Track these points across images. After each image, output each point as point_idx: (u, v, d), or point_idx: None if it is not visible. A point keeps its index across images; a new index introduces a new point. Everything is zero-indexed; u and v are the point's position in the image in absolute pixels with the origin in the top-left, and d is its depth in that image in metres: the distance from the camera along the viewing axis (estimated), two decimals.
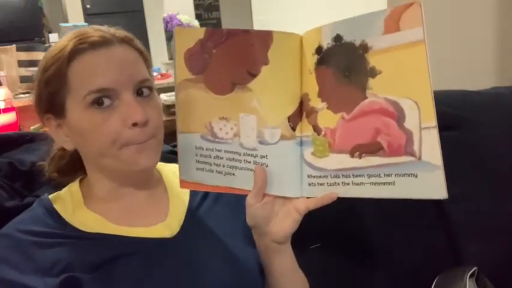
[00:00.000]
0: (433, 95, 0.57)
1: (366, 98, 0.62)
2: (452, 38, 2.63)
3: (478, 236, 1.06)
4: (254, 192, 0.69)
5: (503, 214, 1.09)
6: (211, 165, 0.70)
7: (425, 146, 0.59)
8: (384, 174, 0.62)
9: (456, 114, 1.10)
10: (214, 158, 0.69)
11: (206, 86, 0.67)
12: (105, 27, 0.71)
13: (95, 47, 0.67)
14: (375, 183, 0.63)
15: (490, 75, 2.76)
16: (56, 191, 0.75)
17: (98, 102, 0.66)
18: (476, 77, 2.59)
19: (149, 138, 0.68)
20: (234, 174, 0.69)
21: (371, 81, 0.61)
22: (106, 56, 0.67)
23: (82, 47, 0.67)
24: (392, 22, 0.58)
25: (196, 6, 5.59)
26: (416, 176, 0.60)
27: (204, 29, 0.66)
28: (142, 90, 0.69)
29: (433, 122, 0.58)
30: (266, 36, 0.65)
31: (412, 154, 0.59)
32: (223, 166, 0.70)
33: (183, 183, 0.72)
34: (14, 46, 3.14)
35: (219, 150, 0.69)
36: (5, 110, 1.80)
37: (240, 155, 0.69)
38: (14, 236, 0.66)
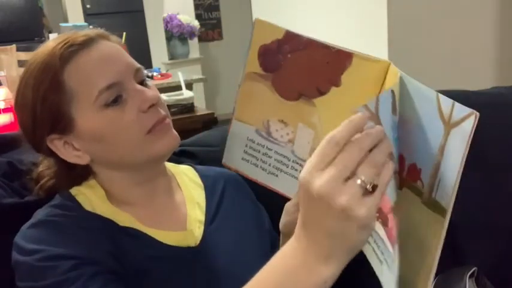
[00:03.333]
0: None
1: None
2: (452, 38, 2.63)
3: (478, 236, 1.06)
4: (296, 201, 0.68)
5: (503, 214, 1.09)
6: (257, 159, 0.70)
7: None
8: (380, 249, 0.58)
9: None
10: (263, 154, 0.70)
11: (273, 86, 0.66)
12: (77, 31, 0.69)
13: (85, 46, 0.66)
14: (373, 250, 0.60)
15: (490, 75, 2.76)
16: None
17: (113, 100, 0.65)
18: (476, 77, 2.59)
19: (166, 115, 0.70)
20: (277, 175, 0.70)
21: None
22: (99, 52, 0.67)
23: (73, 49, 0.65)
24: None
25: (196, 6, 5.58)
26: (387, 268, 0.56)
27: (284, 29, 0.63)
28: (143, 80, 0.70)
29: None
30: (344, 58, 0.61)
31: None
32: (269, 165, 0.70)
33: (224, 164, 0.73)
34: (14, 46, 3.15)
35: (270, 149, 0.69)
36: (5, 110, 1.80)
37: (289, 160, 0.69)
38: (48, 220, 0.65)
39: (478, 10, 2.69)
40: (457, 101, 0.48)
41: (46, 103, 0.66)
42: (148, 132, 0.67)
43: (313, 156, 0.47)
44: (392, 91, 0.52)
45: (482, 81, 2.17)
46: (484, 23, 2.72)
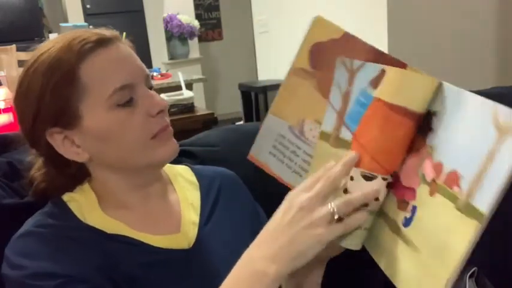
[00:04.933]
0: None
1: None
2: (452, 38, 2.63)
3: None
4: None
5: (502, 214, 1.09)
6: (284, 156, 0.70)
7: None
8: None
9: None
10: (291, 152, 0.69)
11: (318, 84, 0.66)
12: (93, 29, 0.69)
13: (102, 44, 0.66)
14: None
15: (490, 75, 2.76)
16: None
17: (126, 101, 0.66)
18: (476, 77, 2.59)
19: (169, 123, 0.71)
20: (301, 175, 0.69)
21: None
22: (117, 52, 0.67)
23: (90, 46, 0.65)
24: None
25: (196, 6, 5.58)
26: None
27: (343, 31, 0.63)
28: (151, 87, 0.71)
29: None
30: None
31: None
32: (295, 164, 0.69)
33: (250, 157, 0.72)
34: (14, 46, 3.14)
35: (299, 148, 0.69)
36: (5, 110, 1.80)
37: None
38: (35, 231, 0.65)
39: (478, 10, 2.69)
40: None
41: (55, 94, 0.65)
42: (153, 137, 0.68)
43: (308, 179, 0.58)
44: (383, 70, 0.55)
45: (482, 81, 2.17)
46: (484, 23, 2.72)
